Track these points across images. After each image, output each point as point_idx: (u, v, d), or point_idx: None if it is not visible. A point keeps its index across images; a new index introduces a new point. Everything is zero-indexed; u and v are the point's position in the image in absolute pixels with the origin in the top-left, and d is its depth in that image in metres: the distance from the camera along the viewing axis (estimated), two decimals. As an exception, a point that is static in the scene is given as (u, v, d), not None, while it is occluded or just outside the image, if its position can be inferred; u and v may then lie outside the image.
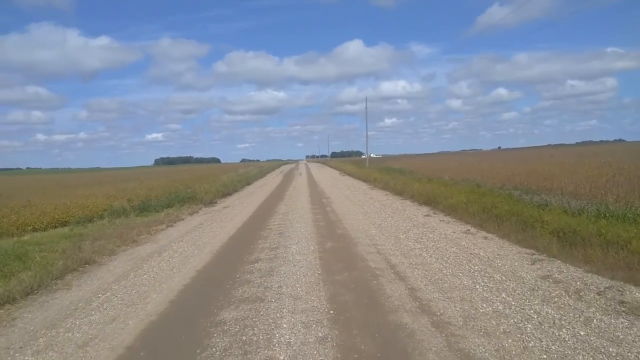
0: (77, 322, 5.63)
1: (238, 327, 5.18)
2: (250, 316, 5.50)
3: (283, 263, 8.11)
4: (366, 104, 57.74)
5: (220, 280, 7.21)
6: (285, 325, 5.13)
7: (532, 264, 7.31)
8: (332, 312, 5.51)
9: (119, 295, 6.72)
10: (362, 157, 66.43)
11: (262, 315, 5.52)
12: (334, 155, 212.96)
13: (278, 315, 5.47)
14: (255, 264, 8.13)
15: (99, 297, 6.72)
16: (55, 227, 14.90)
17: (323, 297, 6.07)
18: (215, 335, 5.00)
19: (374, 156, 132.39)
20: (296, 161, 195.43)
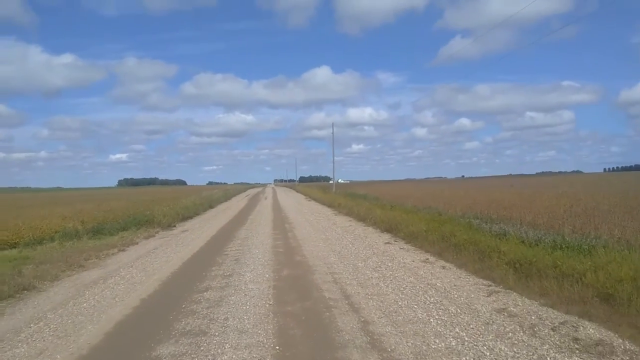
0: (0, 356, 5.14)
1: (174, 364, 4.82)
2: (189, 352, 5.13)
3: (234, 292, 7.76)
4: (333, 130, 58.28)
5: (163, 311, 6.80)
6: (225, 363, 4.80)
7: (488, 296, 7.20)
8: (277, 347, 5.21)
9: (52, 326, 6.22)
10: (330, 182, 66.46)
11: (202, 350, 5.16)
12: (302, 179, 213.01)
13: (219, 351, 5.13)
14: (205, 293, 7.75)
15: (30, 327, 6.21)
16: (4, 249, 14.05)
17: (270, 331, 5.76)
18: (147, 373, 4.62)
19: (342, 182, 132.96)
20: (264, 185, 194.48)
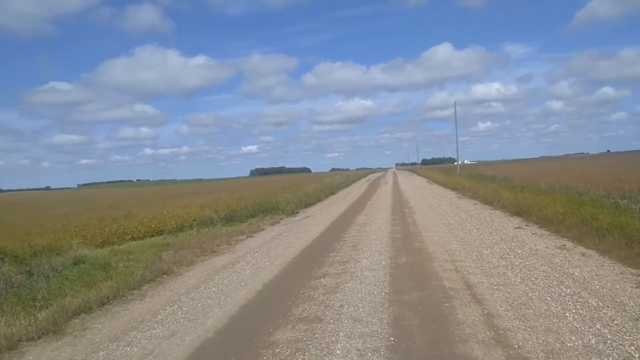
0: (139, 336, 5.69)
1: (289, 350, 4.89)
2: (305, 338, 5.18)
3: (350, 279, 7.72)
4: (455, 108, 55.36)
5: (283, 296, 7.00)
6: (338, 352, 4.75)
7: (636, 287, 6.25)
8: (392, 338, 5.02)
9: (184, 308, 6.75)
10: (454, 164, 63.77)
11: (317, 338, 5.17)
12: (425, 162, 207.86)
13: (333, 339, 5.10)
14: (322, 279, 7.83)
15: (166, 309, 6.80)
16: (152, 236, 15.77)
17: (385, 321, 5.59)
18: (264, 358, 4.75)
19: (468, 163, 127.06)
20: (385, 169, 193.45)
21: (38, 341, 5.74)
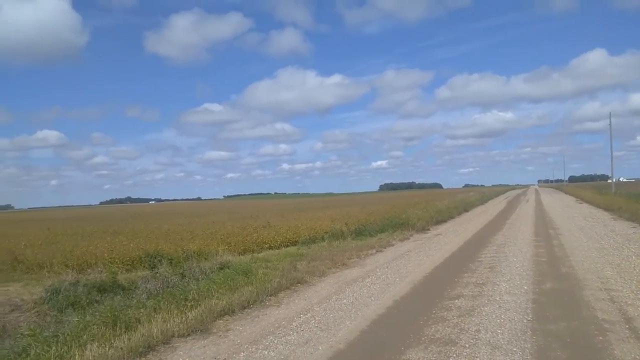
0: (275, 341, 5.99)
1: (421, 371, 4.76)
2: (437, 361, 5.00)
3: (487, 302, 7.28)
4: (610, 120, 49.61)
5: (414, 314, 6.85)
6: (474, 379, 4.49)
7: None
8: (536, 370, 4.61)
9: (317, 318, 6.95)
10: (608, 181, 57.01)
11: (450, 361, 4.96)
12: (573, 179, 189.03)
13: (468, 364, 4.84)
14: (456, 301, 7.49)
15: (300, 317, 7.07)
16: (287, 246, 16.65)
17: (528, 350, 5.15)
18: (395, 376, 4.68)
19: (624, 180, 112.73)
20: (526, 186, 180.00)
21: (187, 338, 6.33)
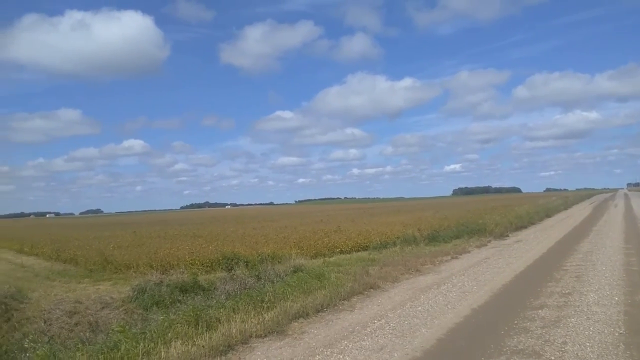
0: (350, 346, 5.98)
1: (504, 383, 4.54)
2: (521, 373, 4.75)
3: (574, 313, 6.82)
4: None
5: (494, 324, 6.56)
6: (563, 394, 4.22)
7: None
8: (633, 389, 4.26)
9: (391, 324, 6.85)
10: None
11: (535, 375, 4.70)
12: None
13: (556, 379, 4.56)
14: (539, 311, 7.09)
15: (374, 322, 7.01)
16: (358, 250, 16.63)
17: (622, 367, 4.77)
18: (476, 387, 4.50)
19: None
20: (613, 190, 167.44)
21: (264, 339, 6.48)
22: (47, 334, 8.03)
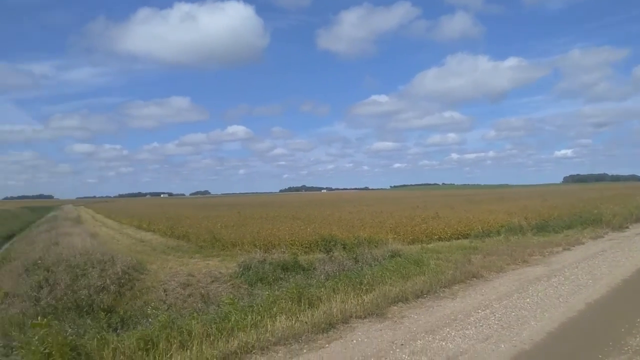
0: (453, 333, 5.84)
1: (627, 385, 4.17)
2: (648, 376, 4.33)
3: None
4: None
5: (613, 320, 6.03)
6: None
7: None
8: None
9: (497, 315, 6.58)
10: None
11: (665, 379, 4.25)
12: None
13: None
14: (668, 310, 6.39)
15: (478, 312, 6.77)
16: (458, 238, 16.13)
17: None
18: (594, 387, 4.19)
19: None
20: None
21: (364, 320, 6.54)
22: (166, 302, 8.82)
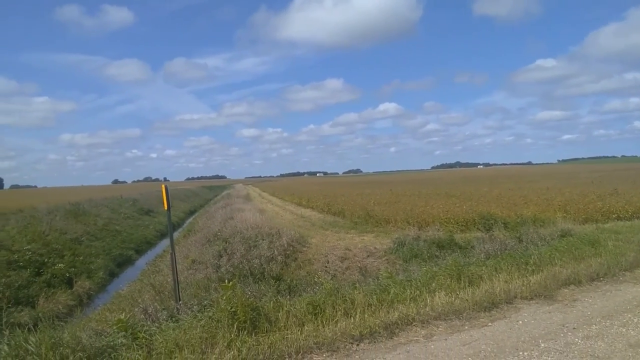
0: (635, 320, 5.21)
1: None
2: None
3: None
4: None
5: None
6: None
7: None
8: None
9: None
10: None
11: None
12: None
13: None
14: None
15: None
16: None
17: None
18: None
19: None
20: None
21: (530, 301, 6.16)
22: (329, 272, 9.40)
